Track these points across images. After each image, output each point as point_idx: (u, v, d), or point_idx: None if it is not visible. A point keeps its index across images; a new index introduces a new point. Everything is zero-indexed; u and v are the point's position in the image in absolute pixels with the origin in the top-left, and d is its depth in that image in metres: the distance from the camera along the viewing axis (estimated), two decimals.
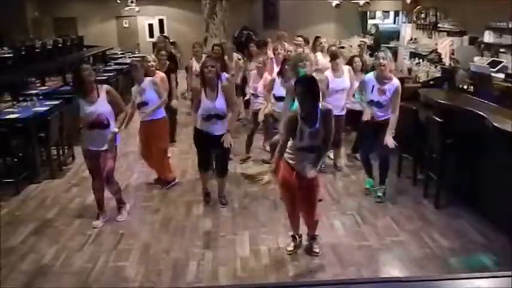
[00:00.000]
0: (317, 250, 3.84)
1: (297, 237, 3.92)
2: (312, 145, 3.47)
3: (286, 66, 5.00)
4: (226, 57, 6.84)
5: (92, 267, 3.72)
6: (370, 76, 4.70)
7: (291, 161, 3.56)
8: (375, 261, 3.74)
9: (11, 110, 5.97)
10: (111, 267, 3.73)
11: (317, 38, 7.50)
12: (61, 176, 5.75)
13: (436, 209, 4.56)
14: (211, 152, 4.73)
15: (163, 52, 6.45)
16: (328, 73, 5.39)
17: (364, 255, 3.81)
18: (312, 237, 3.88)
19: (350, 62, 5.78)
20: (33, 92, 7.23)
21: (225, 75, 5.06)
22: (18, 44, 11.89)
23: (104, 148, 4.28)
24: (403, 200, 4.81)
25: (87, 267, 3.73)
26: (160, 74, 5.65)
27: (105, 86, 4.37)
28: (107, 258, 3.85)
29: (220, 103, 4.44)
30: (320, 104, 3.43)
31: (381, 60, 4.52)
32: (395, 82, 4.60)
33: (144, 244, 4.06)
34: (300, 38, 7.53)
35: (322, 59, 6.63)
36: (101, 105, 4.22)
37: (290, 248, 3.87)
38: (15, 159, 5.33)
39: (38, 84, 8.35)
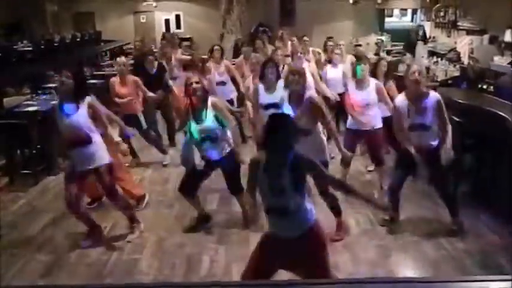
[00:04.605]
0: None
1: None
2: (281, 206, 2.53)
3: (269, 69, 4.34)
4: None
5: (107, 259, 3.78)
6: (401, 98, 3.87)
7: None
8: (389, 261, 3.71)
9: (30, 102, 6.08)
10: (125, 260, 3.78)
11: (329, 38, 7.04)
12: None
13: None
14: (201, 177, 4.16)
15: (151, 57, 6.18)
16: (350, 84, 4.62)
17: (378, 255, 3.79)
18: None
19: (375, 66, 4.97)
20: (52, 85, 7.32)
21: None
22: (38, 37, 12.06)
23: (92, 166, 3.77)
24: (419, 199, 4.76)
25: (103, 259, 3.79)
26: (132, 78, 5.36)
27: (88, 99, 3.76)
28: (122, 250, 3.90)
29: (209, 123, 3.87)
30: (292, 152, 2.50)
31: (415, 74, 3.65)
32: (434, 95, 3.78)
33: (159, 238, 4.10)
34: (305, 38, 6.94)
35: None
36: (78, 119, 3.68)
37: None
38: (34, 151, 5.42)
39: (57, 78, 8.45)
